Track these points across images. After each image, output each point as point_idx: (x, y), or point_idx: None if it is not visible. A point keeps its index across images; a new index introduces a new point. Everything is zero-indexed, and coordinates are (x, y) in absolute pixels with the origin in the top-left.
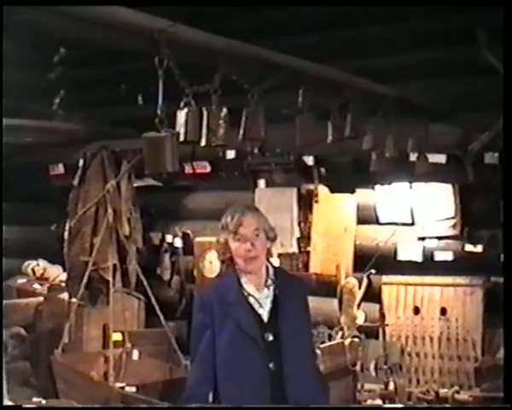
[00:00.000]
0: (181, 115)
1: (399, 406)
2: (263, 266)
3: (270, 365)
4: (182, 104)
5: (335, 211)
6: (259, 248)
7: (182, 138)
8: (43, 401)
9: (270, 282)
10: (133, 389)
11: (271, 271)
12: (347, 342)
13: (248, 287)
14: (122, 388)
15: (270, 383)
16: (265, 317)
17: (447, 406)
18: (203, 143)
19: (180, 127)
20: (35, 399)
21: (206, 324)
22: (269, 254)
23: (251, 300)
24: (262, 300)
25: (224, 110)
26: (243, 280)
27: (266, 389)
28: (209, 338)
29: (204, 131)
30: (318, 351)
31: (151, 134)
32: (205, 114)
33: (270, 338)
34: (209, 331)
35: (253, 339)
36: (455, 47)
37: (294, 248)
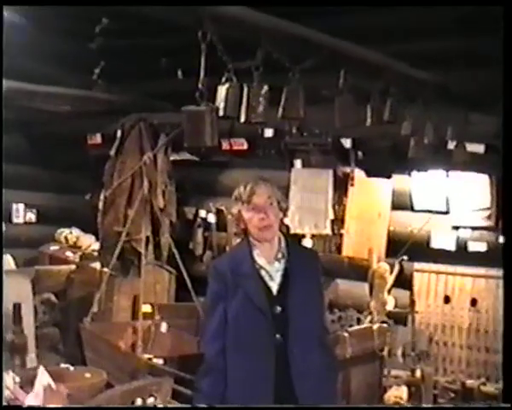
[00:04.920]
0: (221, 90)
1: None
2: (276, 235)
3: (277, 336)
4: (223, 79)
5: (370, 195)
6: (272, 217)
7: (221, 113)
8: (71, 368)
9: (281, 255)
10: (160, 361)
11: (283, 243)
12: (376, 326)
13: (260, 259)
14: (150, 359)
15: (276, 354)
16: (275, 289)
17: (445, 406)
18: (242, 119)
19: (220, 102)
20: (63, 365)
21: (220, 294)
22: (281, 225)
23: (262, 272)
24: (273, 273)
25: (265, 87)
26: (255, 253)
27: (271, 360)
28: (224, 309)
29: (244, 107)
30: (346, 334)
31: (191, 107)
32: (245, 90)
33: (279, 310)
34: (223, 302)
35: (262, 311)
36: (498, 36)
37: (328, 230)
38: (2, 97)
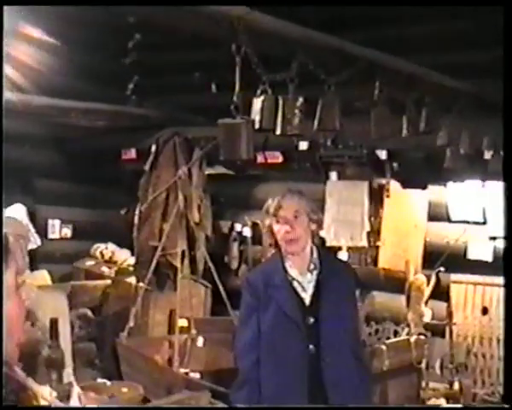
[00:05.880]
0: (257, 103)
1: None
2: (306, 248)
3: (310, 347)
4: (258, 92)
5: (406, 207)
6: (299, 230)
7: (257, 126)
8: (108, 383)
9: (313, 266)
10: (197, 375)
11: (315, 254)
12: (413, 339)
13: (292, 271)
14: (186, 373)
15: (309, 365)
16: (307, 301)
17: (446, 406)
18: (278, 131)
19: (255, 115)
20: (99, 380)
21: (253, 306)
22: (314, 236)
23: (294, 284)
24: (305, 284)
25: (300, 99)
26: (287, 264)
27: (304, 371)
28: (257, 321)
29: (279, 119)
30: (383, 346)
31: (227, 121)
32: (280, 102)
33: (311, 321)
34: (256, 314)
35: (295, 322)
36: None
37: (364, 243)
38: (3, 97)
